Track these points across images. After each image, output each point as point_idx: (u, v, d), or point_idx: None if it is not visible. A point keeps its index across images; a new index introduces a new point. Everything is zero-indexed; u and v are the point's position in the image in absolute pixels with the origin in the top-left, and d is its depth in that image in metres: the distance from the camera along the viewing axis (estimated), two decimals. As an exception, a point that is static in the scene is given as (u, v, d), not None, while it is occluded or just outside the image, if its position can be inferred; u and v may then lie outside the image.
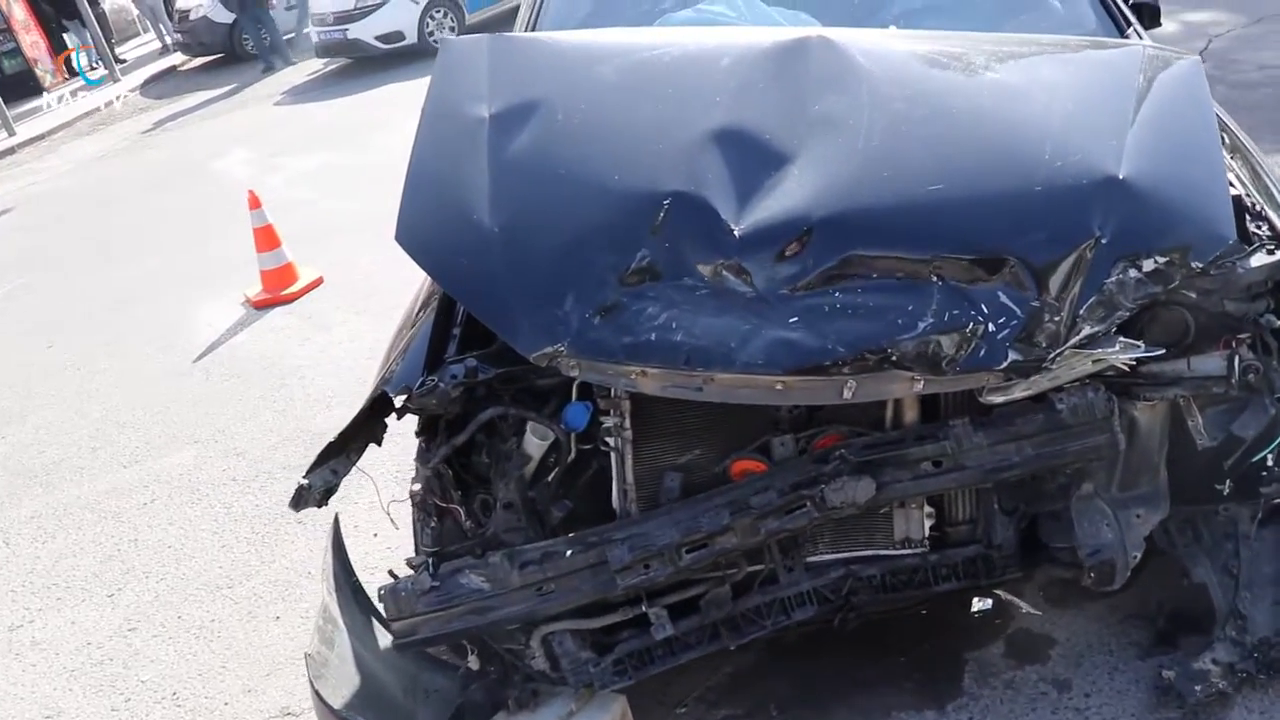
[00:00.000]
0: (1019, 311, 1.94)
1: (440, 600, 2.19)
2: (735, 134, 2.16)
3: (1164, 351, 2.03)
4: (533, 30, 3.22)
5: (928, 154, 2.11)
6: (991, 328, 1.94)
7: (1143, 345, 2.00)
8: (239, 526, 3.63)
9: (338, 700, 2.14)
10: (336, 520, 2.59)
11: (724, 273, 2.02)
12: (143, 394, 4.90)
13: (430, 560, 2.24)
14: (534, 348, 2.05)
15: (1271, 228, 2.10)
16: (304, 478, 2.27)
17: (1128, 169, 1.98)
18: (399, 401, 2.32)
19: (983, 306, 1.95)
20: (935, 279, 1.97)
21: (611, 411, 2.21)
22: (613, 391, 2.19)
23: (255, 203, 5.61)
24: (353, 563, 3.24)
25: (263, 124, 10.92)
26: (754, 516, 2.09)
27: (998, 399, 2.04)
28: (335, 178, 8.04)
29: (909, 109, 2.20)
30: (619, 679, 2.23)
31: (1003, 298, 1.95)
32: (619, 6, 3.32)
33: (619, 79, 2.40)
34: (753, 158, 2.12)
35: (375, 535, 3.36)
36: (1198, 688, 2.15)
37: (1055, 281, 1.94)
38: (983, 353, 1.94)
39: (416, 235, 2.26)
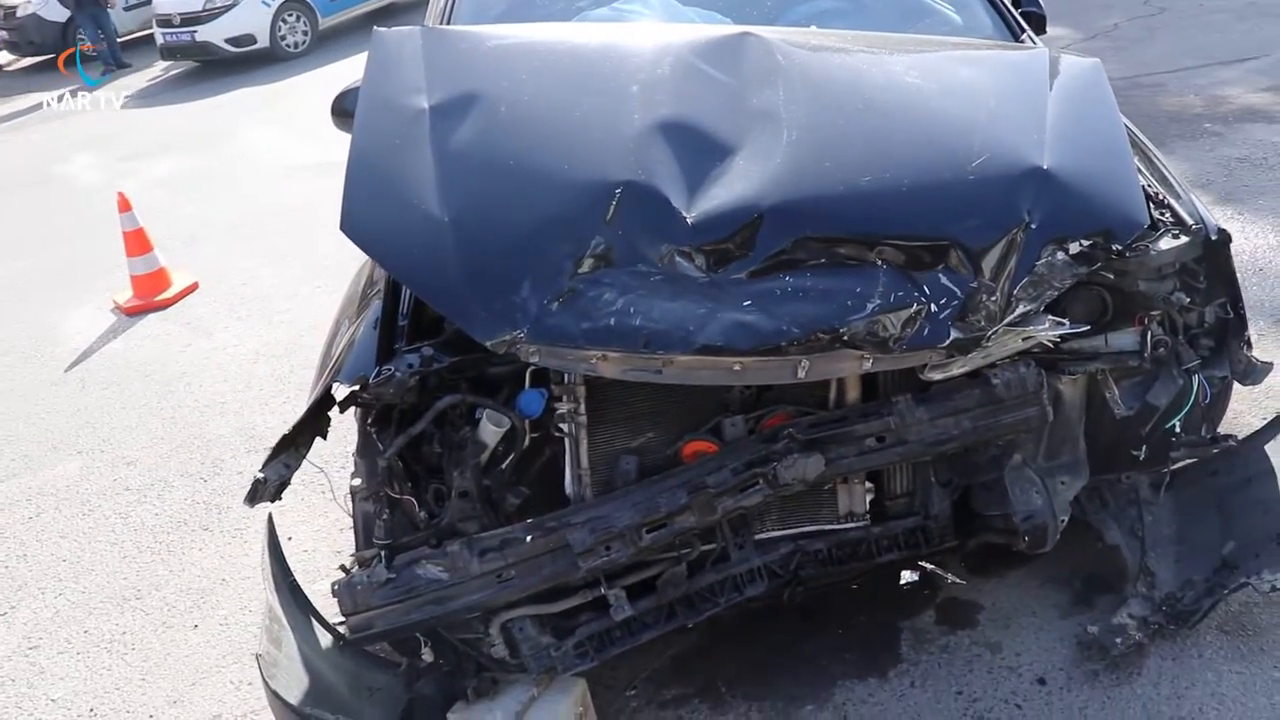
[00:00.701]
0: (959, 292, 2.06)
1: (398, 592, 2.16)
2: (679, 126, 2.22)
3: (1088, 328, 2.20)
4: (447, 24, 3.21)
5: (865, 145, 2.22)
6: (934, 308, 2.05)
7: (1068, 323, 2.16)
8: (139, 536, 3.46)
9: (293, 698, 2.09)
10: (271, 520, 2.51)
11: (678, 258, 2.07)
12: (12, 405, 4.59)
13: (383, 553, 2.21)
14: (492, 335, 2.05)
15: (1174, 214, 2.29)
16: (259, 472, 2.20)
17: (1050, 160, 2.13)
18: (340, 394, 2.28)
19: (925, 288, 2.06)
20: (880, 262, 2.07)
21: (566, 397, 2.23)
22: (567, 377, 2.21)
23: (125, 205, 5.34)
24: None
25: (107, 128, 10.37)
26: (711, 495, 2.14)
27: (937, 375, 2.17)
28: (194, 183, 7.75)
29: (843, 103, 2.31)
30: (581, 661, 2.25)
31: (943, 279, 2.07)
32: (534, 3, 3.33)
33: (558, 71, 2.43)
34: (698, 148, 2.18)
35: (290, 539, 3.27)
36: (1118, 640, 2.33)
37: (990, 264, 2.07)
38: (926, 331, 2.05)
39: (363, 226, 2.21)
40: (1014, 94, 2.37)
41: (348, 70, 10.93)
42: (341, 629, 2.34)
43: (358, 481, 2.35)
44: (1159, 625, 2.35)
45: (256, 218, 6.55)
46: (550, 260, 2.09)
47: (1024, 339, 2.15)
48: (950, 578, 2.67)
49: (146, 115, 10.85)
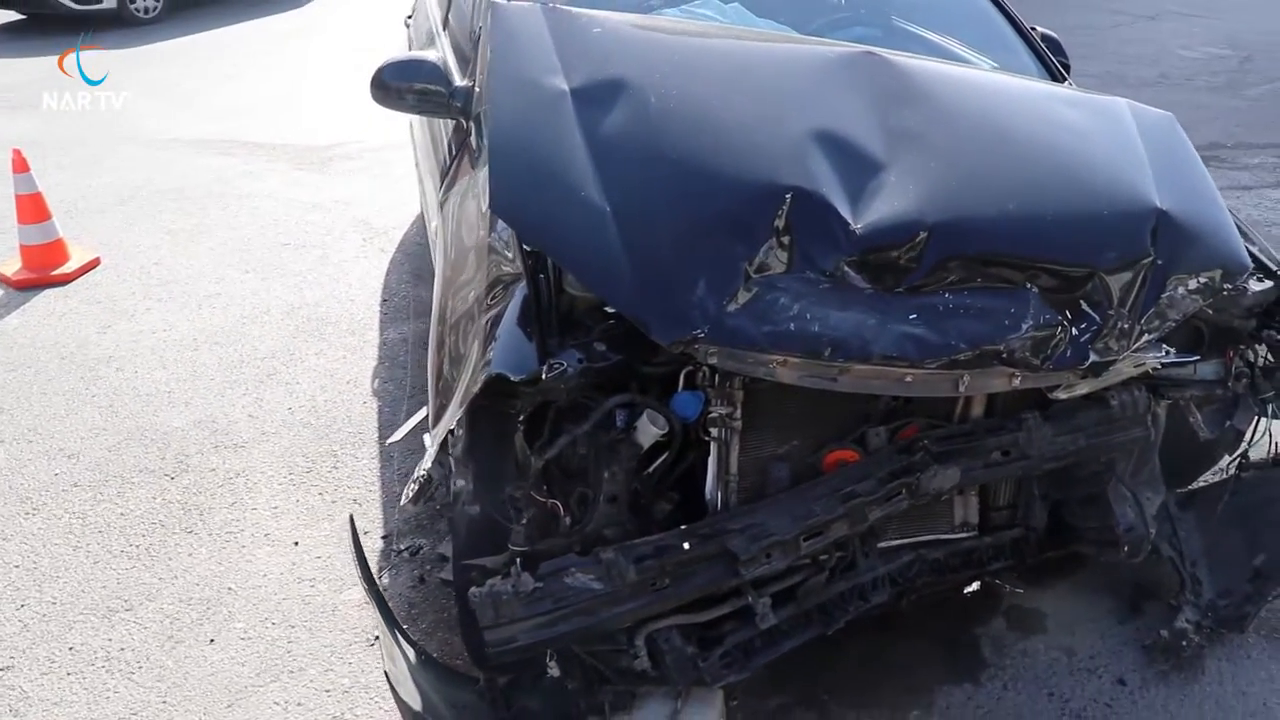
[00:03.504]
0: (1097, 318, 2.19)
1: (546, 603, 2.05)
2: (831, 137, 2.22)
3: (1199, 358, 2.38)
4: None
5: (1008, 172, 2.30)
6: (1075, 331, 2.17)
7: (1174, 351, 2.34)
8: (107, 539, 3.09)
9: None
10: (352, 521, 2.33)
11: (846, 268, 2.09)
12: (-110, 385, 4.01)
13: (519, 560, 2.09)
14: (670, 334, 1.99)
15: (1255, 260, 2.51)
16: (426, 470, 2.04)
17: (1165, 202, 2.29)
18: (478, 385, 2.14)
19: (1068, 312, 2.17)
20: (1029, 285, 2.17)
21: (722, 401, 2.18)
22: (727, 381, 2.17)
23: (22, 165, 4.78)
24: (273, 578, 2.93)
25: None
26: (863, 503, 2.17)
27: (1063, 395, 2.30)
28: (61, 149, 6.92)
29: (977, 129, 2.39)
30: (728, 672, 2.19)
31: (1083, 305, 2.19)
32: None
33: (700, 69, 2.38)
34: (852, 161, 2.19)
35: (297, 544, 3.04)
36: (1184, 643, 2.54)
37: (1122, 293, 2.20)
38: (1069, 354, 2.17)
39: (518, 209, 2.09)
40: (1113, 136, 2.52)
41: (210, 44, 10.23)
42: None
43: (462, 483, 2.22)
44: (1210, 629, 2.57)
45: (147, 193, 6.00)
46: (724, 260, 2.05)
47: (1136, 365, 2.31)
48: (1008, 587, 2.80)
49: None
